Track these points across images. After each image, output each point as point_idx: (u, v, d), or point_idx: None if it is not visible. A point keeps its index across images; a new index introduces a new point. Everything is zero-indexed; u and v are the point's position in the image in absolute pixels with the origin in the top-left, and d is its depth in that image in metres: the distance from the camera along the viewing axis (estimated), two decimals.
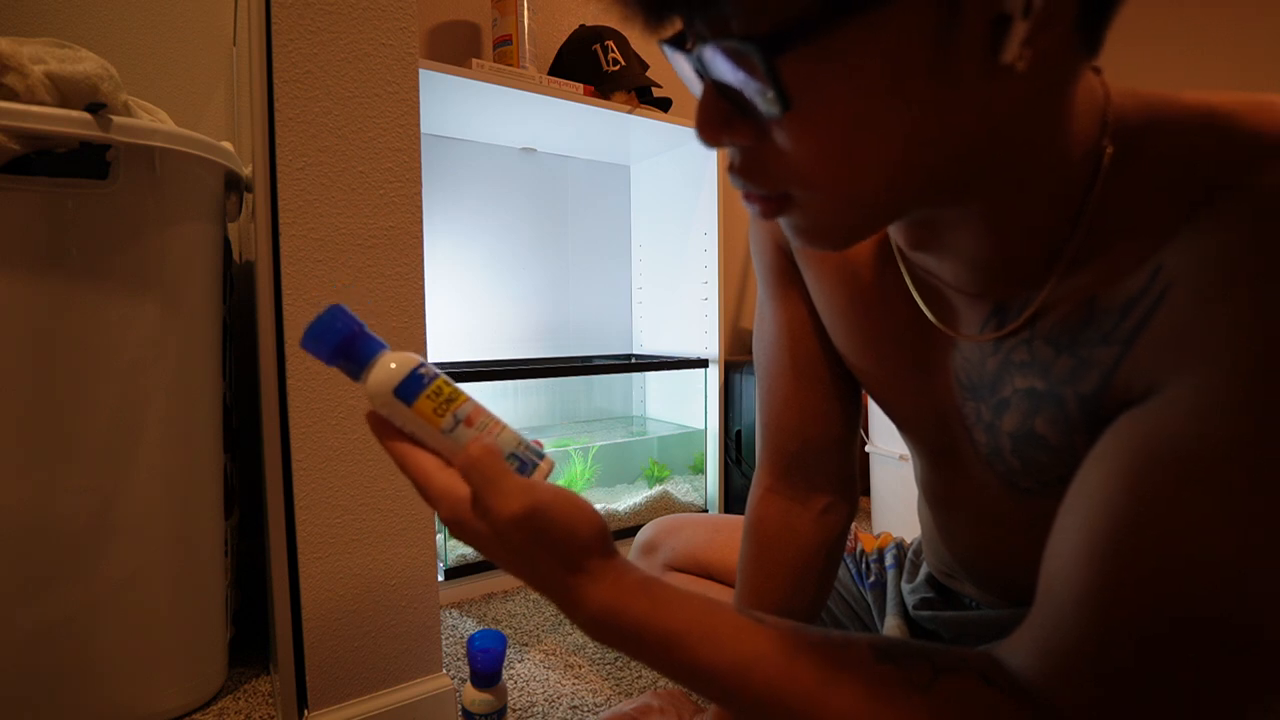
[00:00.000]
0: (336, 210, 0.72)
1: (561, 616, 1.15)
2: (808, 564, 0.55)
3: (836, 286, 0.49)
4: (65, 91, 0.71)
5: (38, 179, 0.70)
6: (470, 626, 1.12)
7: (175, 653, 0.84)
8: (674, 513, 1.23)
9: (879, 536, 0.72)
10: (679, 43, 0.31)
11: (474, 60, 1.18)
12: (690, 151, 1.60)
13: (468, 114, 1.35)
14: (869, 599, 0.67)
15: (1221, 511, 0.26)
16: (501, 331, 1.63)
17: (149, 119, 0.81)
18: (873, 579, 0.68)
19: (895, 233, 0.41)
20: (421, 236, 0.78)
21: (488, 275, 1.60)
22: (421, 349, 0.78)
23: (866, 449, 1.51)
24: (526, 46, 1.30)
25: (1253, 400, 0.26)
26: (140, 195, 0.77)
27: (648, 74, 1.43)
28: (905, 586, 0.64)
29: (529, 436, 0.39)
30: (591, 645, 1.04)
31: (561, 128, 1.46)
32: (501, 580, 1.29)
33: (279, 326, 0.70)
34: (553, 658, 1.00)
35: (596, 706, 0.87)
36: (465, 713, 0.70)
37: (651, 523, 0.81)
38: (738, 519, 0.72)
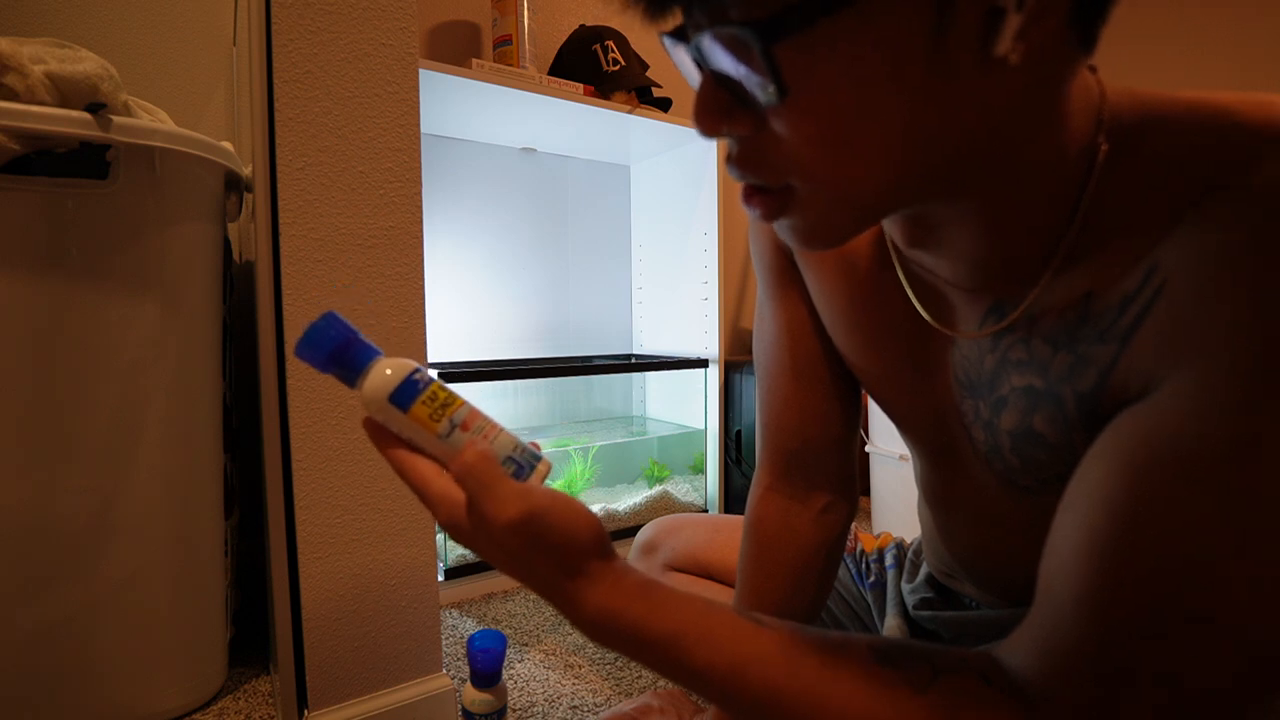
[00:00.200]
0: (336, 210, 0.72)
1: (561, 617, 1.15)
2: (807, 563, 0.55)
3: (836, 286, 0.49)
4: (65, 91, 0.71)
5: (38, 179, 0.70)
6: (470, 626, 1.12)
7: (175, 653, 0.84)
8: (674, 513, 1.23)
9: (879, 536, 0.72)
10: (680, 36, 0.31)
11: (474, 60, 1.18)
12: (690, 151, 1.60)
13: (468, 114, 1.35)
14: (869, 599, 0.67)
15: (1221, 511, 0.26)
16: (501, 331, 1.63)
17: (149, 119, 0.81)
18: (873, 579, 0.68)
19: (892, 231, 0.41)
20: (421, 236, 0.78)
21: (488, 275, 1.60)
22: (421, 349, 0.78)
23: (866, 449, 1.51)
24: (526, 46, 1.30)
25: (1252, 399, 0.26)
26: (140, 195, 0.77)
27: (648, 74, 1.43)
28: (905, 586, 0.64)
29: (530, 436, 0.39)
30: (591, 645, 1.04)
31: (561, 128, 1.45)
32: (501, 580, 1.29)
33: (279, 326, 0.70)
34: (553, 658, 1.00)
35: (596, 706, 0.87)
36: (465, 713, 0.70)
37: (651, 523, 0.81)
38: (738, 519, 0.72)
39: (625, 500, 1.53)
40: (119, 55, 1.09)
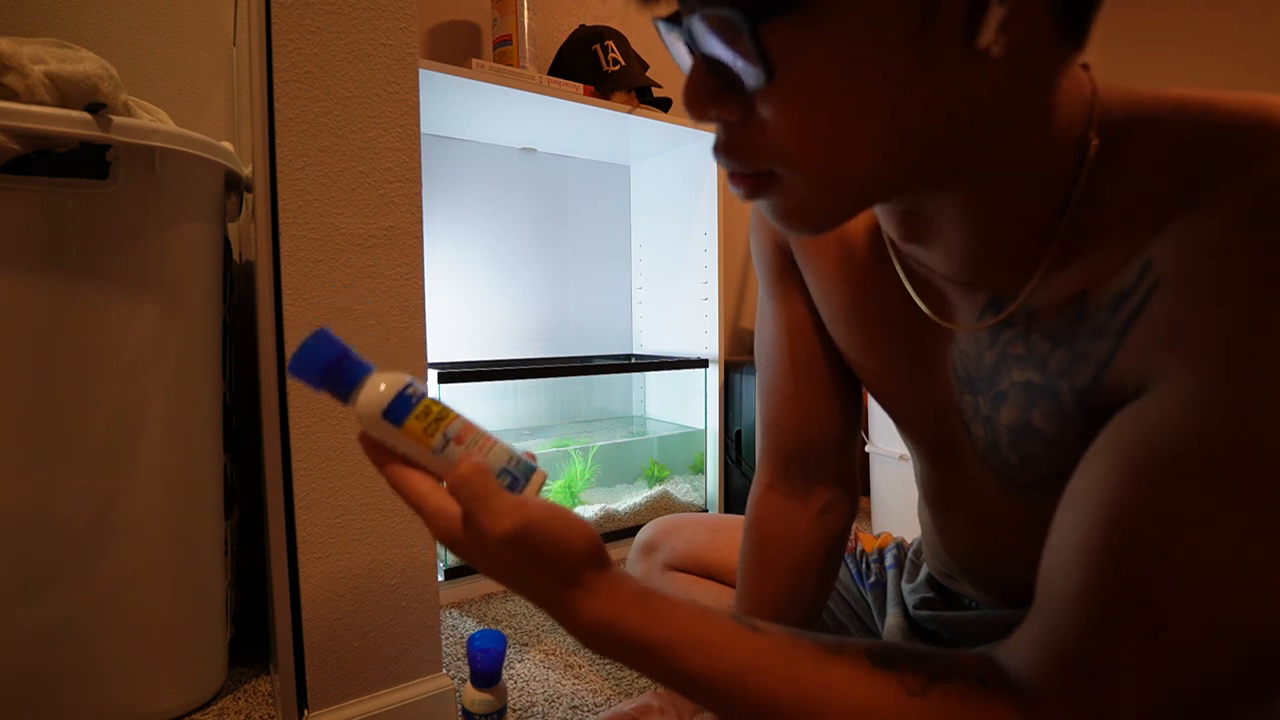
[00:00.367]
0: (336, 210, 0.72)
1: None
2: (807, 562, 0.55)
3: (835, 283, 0.49)
4: (65, 91, 0.71)
5: (38, 179, 0.70)
6: (470, 626, 1.12)
7: (175, 653, 0.84)
8: (674, 513, 1.23)
9: (879, 536, 0.72)
10: (674, 21, 0.31)
11: (474, 60, 1.18)
12: (690, 151, 1.60)
13: (468, 114, 1.35)
14: (869, 599, 0.67)
15: (1220, 511, 0.26)
16: (501, 331, 1.63)
17: (149, 119, 0.81)
18: (873, 579, 0.68)
19: (888, 225, 0.41)
20: (421, 236, 0.78)
21: (488, 275, 1.60)
22: (421, 349, 0.78)
23: (866, 449, 1.51)
24: (526, 46, 1.30)
25: (1251, 399, 0.26)
26: (140, 195, 0.77)
27: (648, 74, 1.43)
28: (905, 586, 0.64)
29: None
30: None
31: (561, 128, 1.46)
32: None
33: (279, 326, 0.70)
34: (553, 658, 1.00)
35: (596, 706, 0.87)
36: (465, 713, 0.70)
37: (651, 523, 0.81)
38: (738, 519, 0.72)
39: (625, 500, 1.53)
40: (119, 55, 1.09)
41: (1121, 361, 0.32)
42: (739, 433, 1.62)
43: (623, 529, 1.47)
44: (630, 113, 1.35)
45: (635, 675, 0.95)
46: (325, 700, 0.74)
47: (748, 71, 0.29)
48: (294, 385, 0.70)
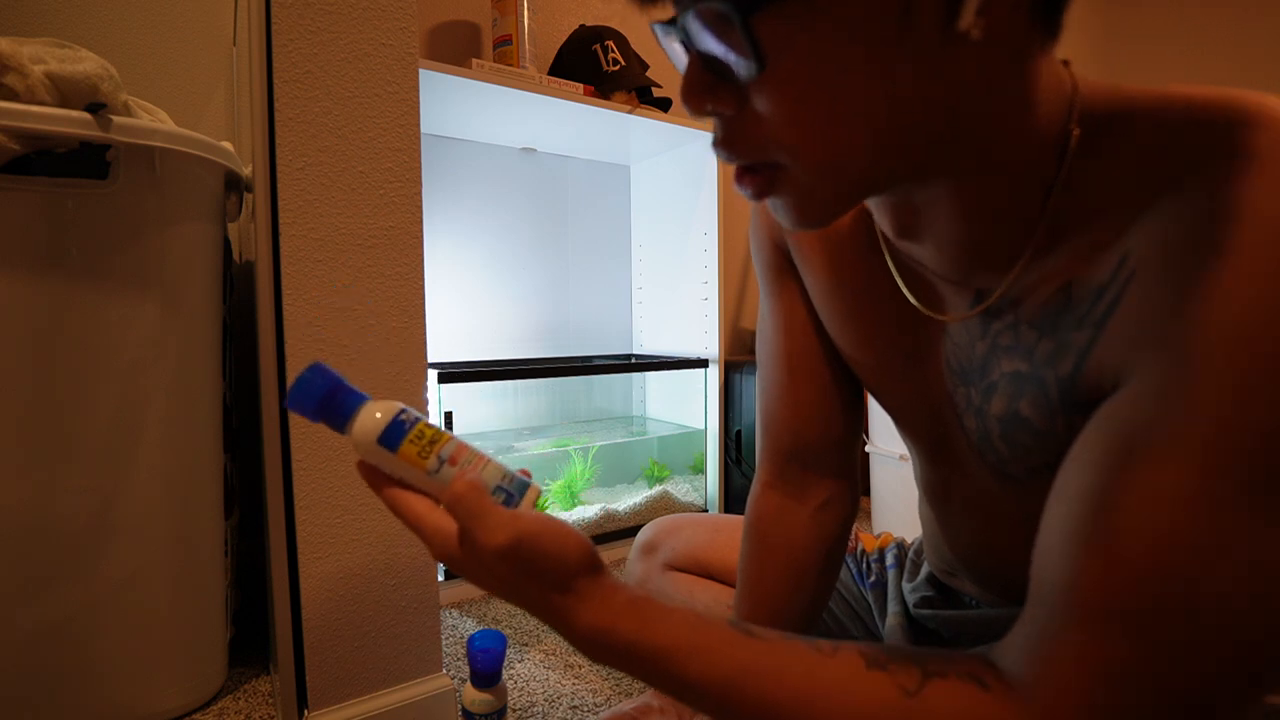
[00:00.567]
0: (336, 210, 0.72)
1: None
2: (805, 561, 0.55)
3: (831, 281, 0.49)
4: (65, 91, 0.71)
5: (38, 179, 0.70)
6: (470, 626, 1.12)
7: (175, 653, 0.84)
8: (674, 513, 1.23)
9: (879, 536, 0.72)
10: (671, 23, 0.32)
11: (474, 60, 1.18)
12: (690, 151, 1.60)
13: (468, 114, 1.35)
14: (869, 599, 0.67)
15: (1204, 502, 0.27)
16: (501, 331, 1.63)
17: (149, 119, 0.81)
18: (873, 579, 0.68)
19: (881, 221, 0.42)
20: (421, 236, 0.78)
21: (488, 275, 1.60)
22: (421, 349, 0.78)
23: (866, 449, 1.51)
24: (526, 46, 1.30)
25: (1227, 392, 0.26)
26: (140, 195, 0.77)
27: (648, 74, 1.43)
28: (906, 586, 0.64)
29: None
30: None
31: (561, 128, 1.46)
32: None
33: (279, 326, 0.70)
34: (553, 658, 1.00)
35: (596, 706, 0.87)
36: (465, 713, 0.70)
37: (651, 523, 0.81)
38: (738, 519, 0.72)
39: (625, 500, 1.53)
40: (119, 55, 1.09)
41: (1100, 350, 0.33)
42: (739, 433, 1.62)
43: (623, 529, 1.47)
44: (630, 113, 1.35)
45: None
46: (325, 700, 0.74)
47: (740, 63, 0.30)
48: None
